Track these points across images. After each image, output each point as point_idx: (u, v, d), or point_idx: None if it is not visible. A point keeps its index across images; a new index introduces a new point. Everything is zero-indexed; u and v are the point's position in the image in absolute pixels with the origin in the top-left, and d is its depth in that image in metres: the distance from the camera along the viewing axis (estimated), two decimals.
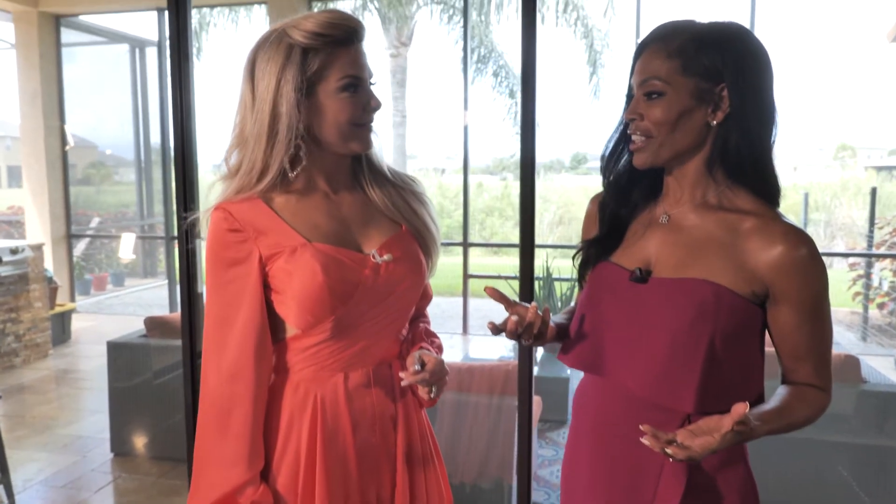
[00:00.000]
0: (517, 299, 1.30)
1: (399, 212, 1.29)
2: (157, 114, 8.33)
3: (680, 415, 1.10)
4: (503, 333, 1.12)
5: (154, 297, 9.04)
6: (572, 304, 1.36)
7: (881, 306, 7.08)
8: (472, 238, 11.44)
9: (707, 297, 1.07)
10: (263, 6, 7.63)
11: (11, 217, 10.98)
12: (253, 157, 1.17)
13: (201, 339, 1.25)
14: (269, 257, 1.18)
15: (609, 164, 1.22)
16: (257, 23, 10.11)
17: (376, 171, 1.30)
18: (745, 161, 1.09)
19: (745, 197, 1.12)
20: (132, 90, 8.39)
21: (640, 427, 0.99)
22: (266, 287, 1.19)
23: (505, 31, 10.98)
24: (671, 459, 0.98)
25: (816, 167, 16.04)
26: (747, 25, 1.22)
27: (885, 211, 10.97)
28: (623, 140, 1.19)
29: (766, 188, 1.12)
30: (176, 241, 3.46)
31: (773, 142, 1.12)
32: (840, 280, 6.72)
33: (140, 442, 3.61)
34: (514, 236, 12.91)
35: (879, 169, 15.86)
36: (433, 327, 1.43)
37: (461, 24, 9.74)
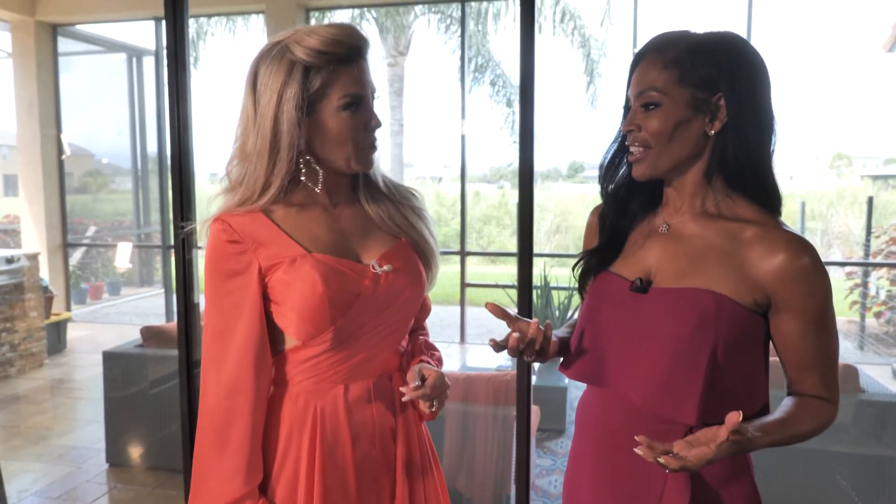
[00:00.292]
0: (516, 310, 1.29)
1: (398, 227, 1.28)
2: (153, 123, 8.34)
3: (682, 426, 1.09)
4: (505, 350, 1.11)
5: (150, 306, 9.01)
6: (574, 316, 1.35)
7: (878, 315, 7.08)
8: (470, 247, 11.43)
9: (708, 306, 1.07)
10: (261, 16, 7.64)
11: (7, 226, 10.96)
12: (256, 173, 1.17)
13: (198, 349, 1.25)
14: (268, 268, 1.17)
15: (607, 174, 1.22)
16: (255, 32, 10.14)
17: (373, 187, 1.30)
18: (744, 170, 1.09)
19: (745, 205, 1.11)
20: (129, 99, 8.40)
21: (636, 437, 0.98)
22: (265, 299, 1.18)
23: (502, 40, 11.03)
24: (666, 470, 0.97)
25: (813, 176, 16.07)
26: (744, 35, 1.23)
27: (882, 220, 11.01)
28: (621, 151, 1.19)
29: (766, 196, 1.11)
30: (172, 251, 3.45)
31: (773, 150, 1.11)
32: (837, 289, 6.66)
33: (136, 452, 3.58)
34: (512, 245, 12.92)
35: (875, 178, 15.91)
36: (431, 336, 1.42)
37: (458, 33, 9.77)
